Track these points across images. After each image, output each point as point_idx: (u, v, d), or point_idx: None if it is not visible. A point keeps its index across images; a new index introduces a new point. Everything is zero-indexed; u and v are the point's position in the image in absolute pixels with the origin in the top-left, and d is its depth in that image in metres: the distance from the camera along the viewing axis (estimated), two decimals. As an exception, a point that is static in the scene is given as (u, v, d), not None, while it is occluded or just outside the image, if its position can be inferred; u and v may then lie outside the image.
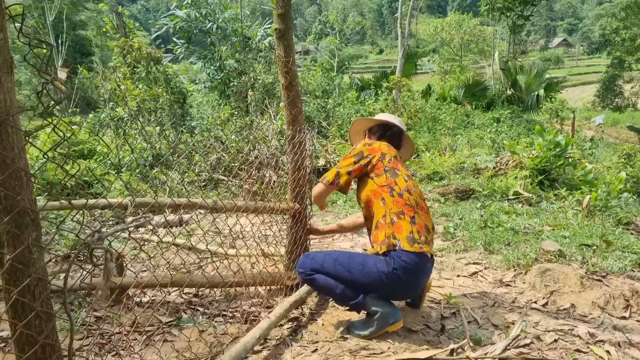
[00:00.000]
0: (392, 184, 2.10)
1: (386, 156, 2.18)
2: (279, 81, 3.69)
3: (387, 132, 2.42)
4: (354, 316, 2.24)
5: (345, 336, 2.06)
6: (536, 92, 16.71)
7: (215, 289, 2.52)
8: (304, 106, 7.91)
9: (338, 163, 2.29)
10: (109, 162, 6.09)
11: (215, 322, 2.22)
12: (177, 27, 11.05)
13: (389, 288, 2.03)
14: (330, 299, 2.48)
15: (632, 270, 2.82)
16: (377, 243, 2.08)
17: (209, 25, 10.63)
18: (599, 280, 2.60)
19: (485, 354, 1.88)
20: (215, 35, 10.76)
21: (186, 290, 2.53)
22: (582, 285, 2.54)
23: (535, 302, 2.47)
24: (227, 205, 2.09)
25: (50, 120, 1.06)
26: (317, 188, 2.31)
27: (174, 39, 11.80)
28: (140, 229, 4.08)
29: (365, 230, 3.96)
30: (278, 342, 2.03)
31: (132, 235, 3.54)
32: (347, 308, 2.24)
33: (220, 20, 10.64)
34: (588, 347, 1.94)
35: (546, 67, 31.51)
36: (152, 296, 2.56)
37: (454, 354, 1.89)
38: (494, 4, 18.78)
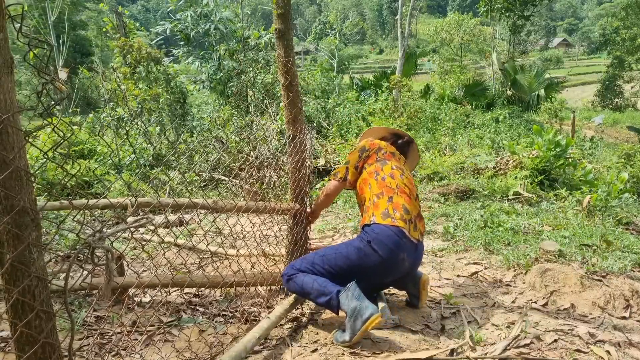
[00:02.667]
0: (379, 170, 2.26)
1: (382, 149, 2.37)
2: (279, 81, 3.70)
3: (398, 140, 2.60)
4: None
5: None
6: (536, 92, 16.71)
7: (215, 289, 2.52)
8: (304, 106, 7.91)
9: (346, 158, 2.43)
10: (110, 162, 6.08)
11: (216, 322, 2.22)
12: (176, 29, 11.07)
13: (368, 266, 2.06)
14: None
15: (632, 270, 2.82)
16: (362, 224, 2.24)
17: (207, 26, 10.64)
18: (599, 280, 2.59)
19: (485, 354, 1.88)
20: (214, 37, 10.77)
21: (186, 290, 2.53)
22: (582, 285, 2.53)
23: (535, 302, 2.47)
24: (228, 206, 2.09)
25: (50, 120, 1.06)
26: (331, 184, 2.44)
27: (179, 43, 11.85)
28: (140, 229, 4.08)
29: None
30: (278, 342, 2.03)
31: (132, 235, 3.55)
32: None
33: (217, 20, 10.64)
34: (588, 347, 1.94)
35: (546, 67, 31.48)
36: (153, 296, 2.56)
37: (454, 354, 1.89)
38: (493, 4, 18.78)
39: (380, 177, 2.23)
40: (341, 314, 2.05)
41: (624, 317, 2.29)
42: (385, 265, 2.08)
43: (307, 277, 2.07)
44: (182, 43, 11.48)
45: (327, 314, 2.32)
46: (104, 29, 8.90)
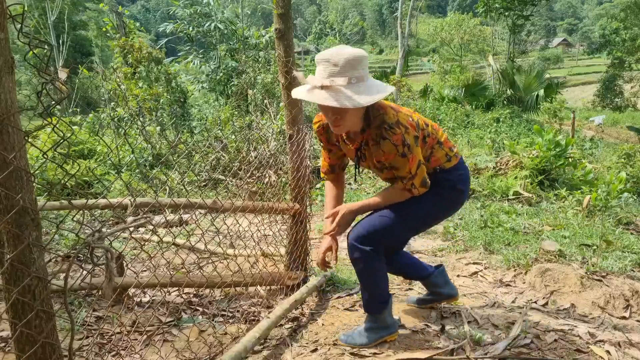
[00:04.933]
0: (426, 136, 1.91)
1: (419, 123, 1.89)
2: (279, 81, 3.70)
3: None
4: (353, 317, 2.25)
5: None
6: (536, 93, 16.69)
7: (215, 289, 2.52)
8: (304, 106, 7.90)
9: (414, 159, 1.80)
10: (109, 162, 6.08)
11: (215, 322, 2.22)
12: (178, 29, 11.07)
13: (454, 209, 2.07)
14: (333, 297, 2.49)
15: (632, 270, 2.83)
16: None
17: (207, 24, 10.64)
18: (599, 280, 2.60)
19: (485, 354, 1.88)
20: (213, 37, 10.77)
21: (186, 290, 2.53)
22: (582, 285, 2.54)
23: (535, 302, 2.47)
24: (227, 205, 2.09)
25: (50, 120, 1.06)
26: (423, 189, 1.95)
27: (180, 42, 11.85)
28: (140, 229, 4.08)
29: None
30: (278, 342, 2.03)
31: (132, 235, 3.54)
32: (364, 304, 2.03)
33: (218, 19, 10.64)
34: (588, 347, 1.94)
35: (546, 67, 31.43)
36: (152, 296, 2.56)
37: (454, 354, 1.89)
38: (491, 4, 18.78)
39: (421, 139, 1.87)
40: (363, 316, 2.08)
41: (624, 317, 2.29)
42: (464, 200, 2.07)
43: (381, 272, 1.95)
44: (186, 42, 11.47)
45: (327, 314, 2.32)
46: (104, 29, 8.89)
